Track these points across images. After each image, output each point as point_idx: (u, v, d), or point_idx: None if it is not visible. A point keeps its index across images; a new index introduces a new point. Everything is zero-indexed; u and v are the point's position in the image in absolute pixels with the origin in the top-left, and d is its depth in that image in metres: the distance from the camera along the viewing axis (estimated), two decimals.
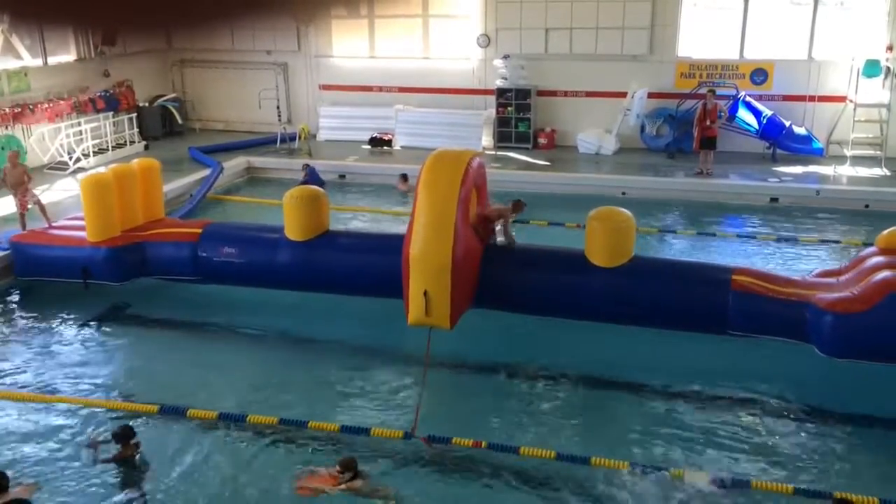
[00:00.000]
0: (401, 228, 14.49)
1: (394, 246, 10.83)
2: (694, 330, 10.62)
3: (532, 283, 11.11)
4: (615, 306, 10.77)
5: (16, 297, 12.94)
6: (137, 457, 8.43)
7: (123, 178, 12.78)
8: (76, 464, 8.45)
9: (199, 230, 12.57)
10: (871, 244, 14.29)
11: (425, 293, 10.13)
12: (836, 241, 14.99)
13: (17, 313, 12.51)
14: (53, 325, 11.89)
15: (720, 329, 10.42)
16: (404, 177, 17.95)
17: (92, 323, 11.95)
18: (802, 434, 9.07)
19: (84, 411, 9.45)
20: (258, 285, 12.22)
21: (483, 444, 8.54)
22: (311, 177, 18.14)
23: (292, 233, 11.93)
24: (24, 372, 10.58)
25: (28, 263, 12.90)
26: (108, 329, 11.84)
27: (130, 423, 8.73)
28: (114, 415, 9.38)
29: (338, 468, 7.98)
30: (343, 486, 7.91)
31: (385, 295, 11.21)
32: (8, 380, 10.36)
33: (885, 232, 11.08)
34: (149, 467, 8.36)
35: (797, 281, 10.67)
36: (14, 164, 14.41)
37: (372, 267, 11.56)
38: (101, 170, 13.78)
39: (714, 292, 10.42)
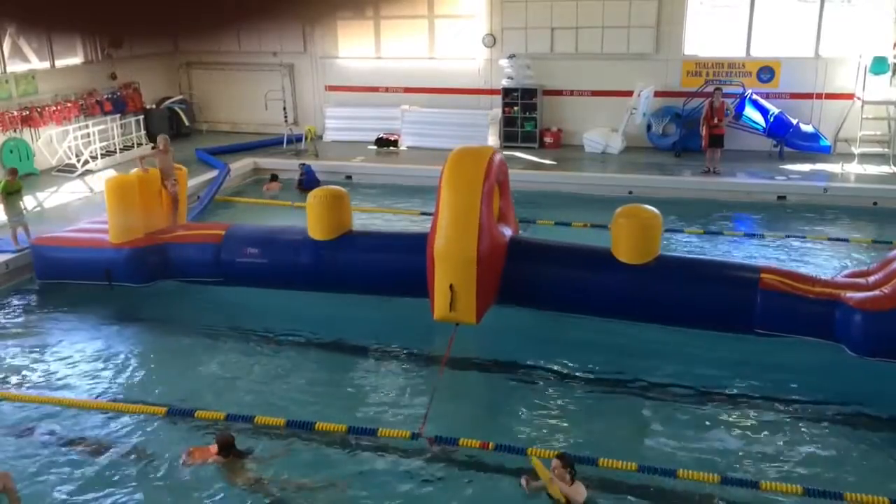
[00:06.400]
0: (414, 227, 14.59)
1: (417, 244, 10.85)
2: (720, 329, 10.57)
3: (558, 280, 11.11)
4: (641, 304, 10.75)
5: (35, 299, 12.88)
6: None
7: (146, 183, 12.79)
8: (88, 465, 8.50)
9: (222, 232, 12.53)
10: (880, 241, 14.49)
11: (451, 287, 10.14)
12: (845, 239, 14.99)
13: (36, 314, 12.43)
14: (71, 327, 11.84)
15: (747, 328, 10.36)
16: (274, 177, 18.07)
17: (110, 325, 11.88)
18: (823, 434, 8.96)
19: (92, 413, 9.44)
20: (281, 287, 12.16)
21: (490, 445, 8.44)
22: (308, 176, 18.10)
23: (316, 233, 11.91)
24: (38, 373, 10.55)
25: (49, 266, 12.84)
26: (124, 331, 11.76)
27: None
28: (119, 416, 9.38)
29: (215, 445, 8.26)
30: (210, 460, 8.18)
31: (409, 294, 11.22)
32: (23, 381, 10.33)
33: None
34: None
35: (826, 280, 10.60)
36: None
37: (396, 266, 11.54)
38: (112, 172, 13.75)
39: (742, 291, 10.36)
